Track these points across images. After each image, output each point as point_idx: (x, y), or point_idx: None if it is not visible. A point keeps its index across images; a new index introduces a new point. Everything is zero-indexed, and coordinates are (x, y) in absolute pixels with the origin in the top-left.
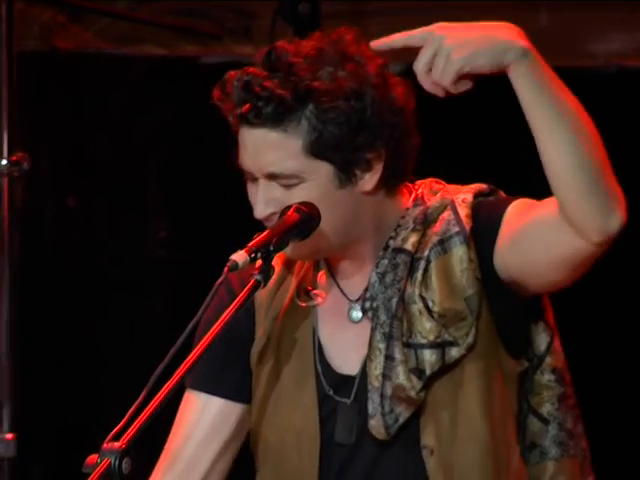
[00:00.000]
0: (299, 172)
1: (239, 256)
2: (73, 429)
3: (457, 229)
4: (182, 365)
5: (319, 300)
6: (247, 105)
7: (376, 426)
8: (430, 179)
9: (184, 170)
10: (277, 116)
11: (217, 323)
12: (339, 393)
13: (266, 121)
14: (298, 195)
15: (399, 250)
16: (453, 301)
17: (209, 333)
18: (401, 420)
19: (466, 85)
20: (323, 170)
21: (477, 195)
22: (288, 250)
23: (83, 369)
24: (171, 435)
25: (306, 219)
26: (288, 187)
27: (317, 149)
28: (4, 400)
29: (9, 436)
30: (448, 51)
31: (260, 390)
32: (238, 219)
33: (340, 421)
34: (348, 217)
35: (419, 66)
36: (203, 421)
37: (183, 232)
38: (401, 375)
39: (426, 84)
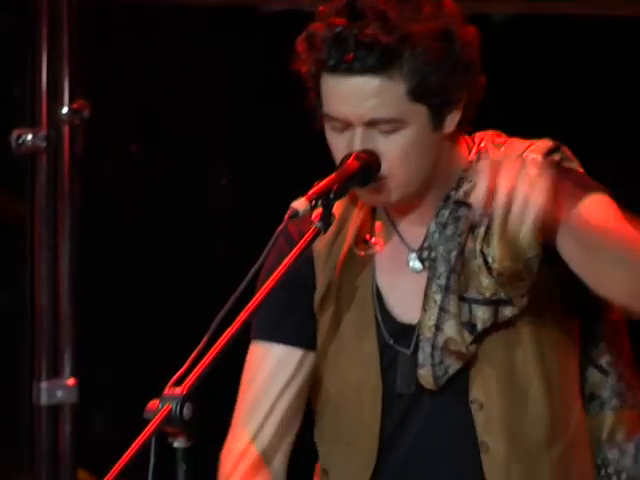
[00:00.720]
0: (401, 117)
1: (299, 204)
2: (134, 375)
3: None
4: (242, 312)
5: (377, 249)
6: (350, 55)
7: (425, 376)
8: (490, 131)
9: (245, 118)
10: (381, 63)
11: (276, 271)
12: (399, 342)
13: (370, 69)
14: (396, 141)
15: (462, 203)
16: (513, 261)
17: (268, 282)
18: (451, 372)
19: None
20: (421, 113)
21: (545, 154)
22: (369, 198)
23: (144, 316)
24: (240, 385)
25: (366, 167)
26: (387, 133)
27: (419, 92)
28: (65, 346)
29: (71, 382)
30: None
31: (321, 340)
32: (298, 167)
33: (400, 371)
34: (432, 162)
35: (501, 201)
36: (263, 367)
37: (244, 180)
38: (453, 328)
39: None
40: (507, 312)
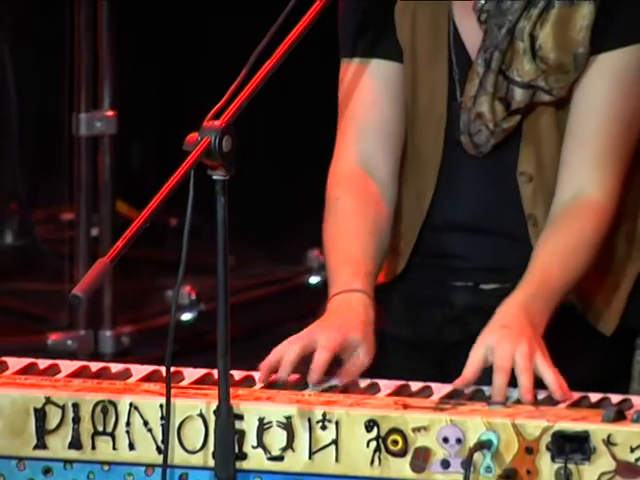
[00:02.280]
0: None
1: None
2: (173, 107)
3: None
4: (281, 45)
5: None
6: None
7: (466, 142)
8: None
9: None
10: None
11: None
12: (462, 82)
13: None
14: None
15: None
16: (561, 53)
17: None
18: (493, 141)
19: None
20: None
21: None
22: None
23: (185, 49)
24: (338, 107)
25: None
26: None
27: None
28: (105, 77)
29: (110, 113)
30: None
31: None
32: None
33: (453, 116)
34: None
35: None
36: (356, 84)
37: None
38: (485, 105)
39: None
40: (545, 98)
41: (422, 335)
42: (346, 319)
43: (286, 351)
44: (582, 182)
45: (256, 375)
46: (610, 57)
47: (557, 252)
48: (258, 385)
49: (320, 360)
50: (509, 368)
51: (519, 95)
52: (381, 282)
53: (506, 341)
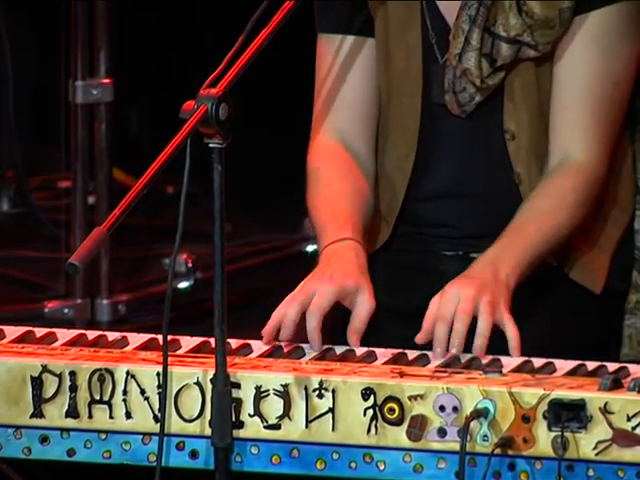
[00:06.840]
0: None
1: None
2: (170, 74)
3: None
4: (278, 12)
5: None
6: None
7: (450, 101)
8: None
9: None
10: None
11: None
12: (440, 44)
13: None
14: None
15: None
16: (547, 8)
17: None
18: (477, 99)
19: None
20: None
21: None
22: None
23: (181, 16)
24: (315, 81)
25: None
26: None
27: None
28: (101, 45)
29: (106, 81)
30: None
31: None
32: None
33: (434, 78)
34: None
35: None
36: (333, 60)
37: None
38: (471, 61)
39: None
40: (530, 53)
41: (413, 304)
42: (338, 268)
43: (285, 312)
44: (567, 146)
45: (253, 343)
46: (592, 17)
47: (533, 212)
48: (255, 353)
49: (311, 328)
50: (471, 311)
51: (505, 50)
52: (368, 252)
53: (468, 287)
